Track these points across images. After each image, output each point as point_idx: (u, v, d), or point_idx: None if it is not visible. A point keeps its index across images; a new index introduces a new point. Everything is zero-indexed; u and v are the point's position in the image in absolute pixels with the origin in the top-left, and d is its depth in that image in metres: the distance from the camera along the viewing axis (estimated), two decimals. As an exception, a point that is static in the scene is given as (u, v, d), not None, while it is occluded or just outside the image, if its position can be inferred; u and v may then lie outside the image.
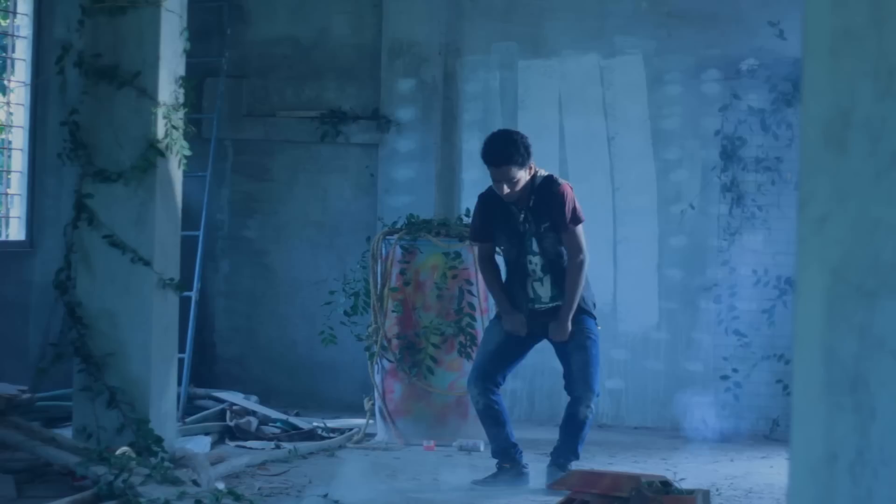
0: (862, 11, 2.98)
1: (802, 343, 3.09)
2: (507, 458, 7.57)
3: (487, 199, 7.69)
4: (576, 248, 7.44)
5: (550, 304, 7.55)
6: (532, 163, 7.50)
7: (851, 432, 2.95)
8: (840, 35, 3.03)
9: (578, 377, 7.50)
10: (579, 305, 7.53)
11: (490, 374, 7.58)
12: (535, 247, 7.52)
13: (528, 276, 7.55)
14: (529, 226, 7.51)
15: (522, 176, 7.43)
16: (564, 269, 7.49)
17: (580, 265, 7.41)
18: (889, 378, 2.89)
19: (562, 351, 7.59)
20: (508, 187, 7.42)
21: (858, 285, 2.96)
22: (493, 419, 7.57)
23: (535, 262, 7.53)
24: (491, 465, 7.69)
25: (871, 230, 2.94)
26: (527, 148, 7.43)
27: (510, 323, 7.57)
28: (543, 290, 7.56)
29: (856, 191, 2.97)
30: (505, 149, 7.41)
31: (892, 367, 2.88)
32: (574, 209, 7.46)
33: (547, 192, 7.48)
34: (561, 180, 7.57)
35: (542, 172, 7.59)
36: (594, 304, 7.68)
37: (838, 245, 3.01)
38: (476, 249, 8.16)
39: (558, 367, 7.75)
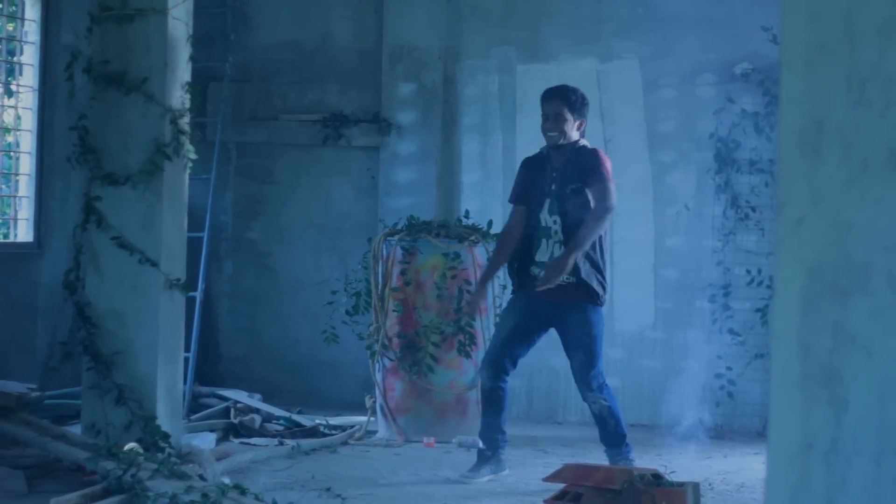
0: (836, 26, 3.07)
1: (780, 338, 3.16)
2: (492, 445, 7.72)
3: (529, 161, 7.86)
4: (603, 196, 7.46)
5: (563, 279, 7.49)
6: (584, 122, 7.68)
7: (826, 423, 3.02)
8: (815, 48, 3.12)
9: (579, 377, 7.63)
10: (590, 292, 7.53)
11: (499, 360, 7.70)
12: (557, 208, 7.60)
13: (550, 238, 7.61)
14: (557, 186, 7.62)
15: (570, 123, 7.62)
16: None
17: (602, 211, 7.41)
18: (861, 372, 2.96)
19: (567, 345, 7.66)
20: (553, 125, 7.61)
21: (832, 284, 3.03)
22: (495, 404, 7.71)
23: (558, 222, 7.61)
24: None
25: (845, 232, 3.01)
26: (583, 99, 7.69)
27: (472, 297, 8.20)
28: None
29: (830, 195, 3.05)
30: (562, 87, 7.77)
31: (863, 361, 2.95)
32: (607, 170, 7.54)
33: (582, 154, 7.65)
34: (602, 152, 7.73)
35: (587, 144, 7.75)
36: (604, 288, 7.63)
37: (813, 246, 3.09)
38: (510, 214, 7.91)
39: (556, 366, 7.82)
